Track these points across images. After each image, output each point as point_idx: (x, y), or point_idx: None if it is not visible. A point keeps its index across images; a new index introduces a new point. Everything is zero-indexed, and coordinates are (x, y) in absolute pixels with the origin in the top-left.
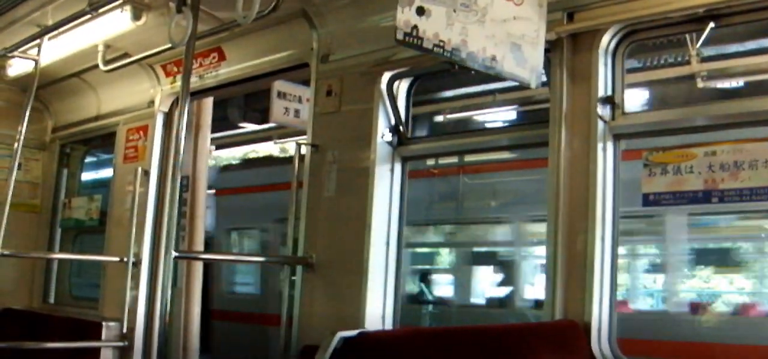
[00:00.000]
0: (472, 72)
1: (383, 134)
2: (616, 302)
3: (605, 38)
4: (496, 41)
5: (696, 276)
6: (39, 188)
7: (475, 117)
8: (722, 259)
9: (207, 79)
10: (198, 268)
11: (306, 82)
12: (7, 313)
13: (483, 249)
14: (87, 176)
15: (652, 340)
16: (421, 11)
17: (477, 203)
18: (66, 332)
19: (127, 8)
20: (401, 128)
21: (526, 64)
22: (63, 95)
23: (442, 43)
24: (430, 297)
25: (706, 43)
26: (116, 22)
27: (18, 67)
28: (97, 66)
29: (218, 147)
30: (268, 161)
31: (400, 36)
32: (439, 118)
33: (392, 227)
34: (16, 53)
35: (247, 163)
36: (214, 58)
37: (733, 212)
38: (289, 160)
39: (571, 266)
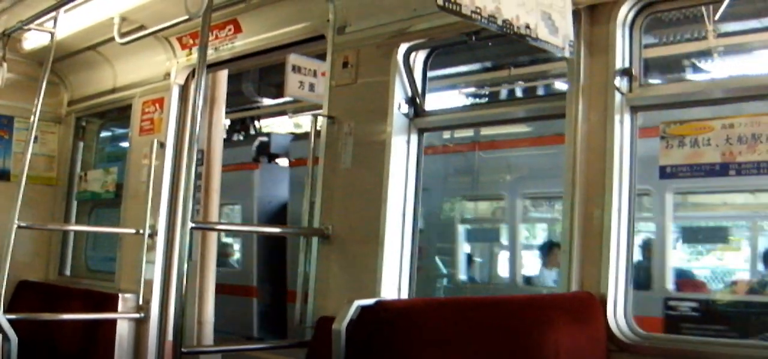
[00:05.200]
0: (489, 44)
1: (399, 105)
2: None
3: (623, 10)
4: (527, 9)
5: None
6: (55, 161)
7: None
8: None
9: (222, 52)
10: (213, 240)
11: (321, 55)
12: (24, 285)
13: None
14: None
15: None
16: None
17: None
18: (82, 304)
19: None
20: (417, 99)
21: (558, 33)
22: (79, 68)
23: (478, 10)
24: None
25: (724, 18)
26: None
27: (34, 40)
28: (112, 39)
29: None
30: None
31: (440, 2)
32: None
33: (408, 198)
34: (31, 26)
35: None
36: (229, 30)
37: None
38: None
39: (588, 239)
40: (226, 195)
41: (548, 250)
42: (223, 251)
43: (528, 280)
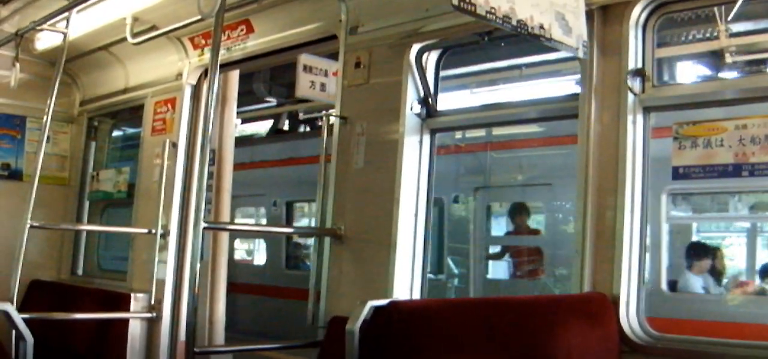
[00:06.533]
0: (502, 45)
1: (412, 106)
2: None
3: (636, 10)
4: (541, 10)
5: None
6: (67, 161)
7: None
8: None
9: (234, 52)
10: (224, 240)
11: (334, 55)
12: (36, 285)
13: None
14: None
15: None
16: None
17: None
18: (94, 303)
19: None
20: (430, 100)
21: (572, 33)
22: (91, 68)
23: (493, 10)
24: None
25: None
26: None
27: (46, 40)
28: (125, 39)
29: (244, 121)
30: None
31: (455, 2)
32: None
33: (420, 199)
34: (44, 26)
35: None
36: (242, 30)
37: None
38: None
39: (600, 240)
40: (303, 191)
41: (694, 253)
42: (295, 254)
43: (672, 286)
